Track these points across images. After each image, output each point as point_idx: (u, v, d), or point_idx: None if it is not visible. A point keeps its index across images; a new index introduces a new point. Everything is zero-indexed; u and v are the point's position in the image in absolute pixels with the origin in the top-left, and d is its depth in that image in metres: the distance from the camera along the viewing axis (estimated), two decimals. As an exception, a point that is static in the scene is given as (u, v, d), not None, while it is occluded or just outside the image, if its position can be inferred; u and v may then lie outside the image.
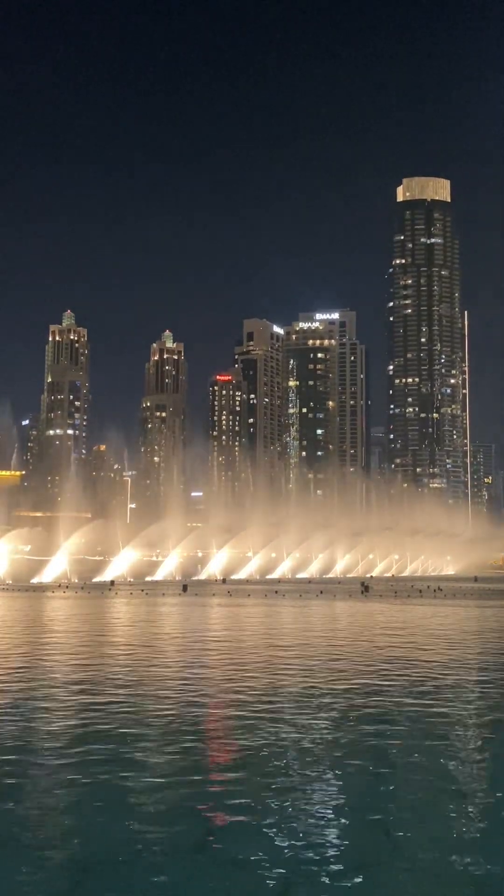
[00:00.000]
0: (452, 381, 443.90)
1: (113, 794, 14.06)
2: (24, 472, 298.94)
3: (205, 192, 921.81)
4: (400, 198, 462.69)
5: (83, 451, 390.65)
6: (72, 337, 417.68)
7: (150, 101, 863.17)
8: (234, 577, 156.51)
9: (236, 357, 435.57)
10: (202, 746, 17.85)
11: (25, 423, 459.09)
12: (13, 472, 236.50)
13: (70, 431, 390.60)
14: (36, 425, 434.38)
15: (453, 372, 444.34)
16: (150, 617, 58.64)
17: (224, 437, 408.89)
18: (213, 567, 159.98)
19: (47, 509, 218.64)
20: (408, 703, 22.52)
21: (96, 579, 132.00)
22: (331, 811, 13.33)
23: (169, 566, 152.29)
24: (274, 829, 12.42)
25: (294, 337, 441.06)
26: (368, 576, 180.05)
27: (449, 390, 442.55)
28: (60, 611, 64.62)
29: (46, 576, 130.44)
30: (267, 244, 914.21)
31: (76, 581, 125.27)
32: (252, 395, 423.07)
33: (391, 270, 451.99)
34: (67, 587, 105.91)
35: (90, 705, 22.09)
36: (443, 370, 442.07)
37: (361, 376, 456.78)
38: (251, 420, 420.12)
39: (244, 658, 32.04)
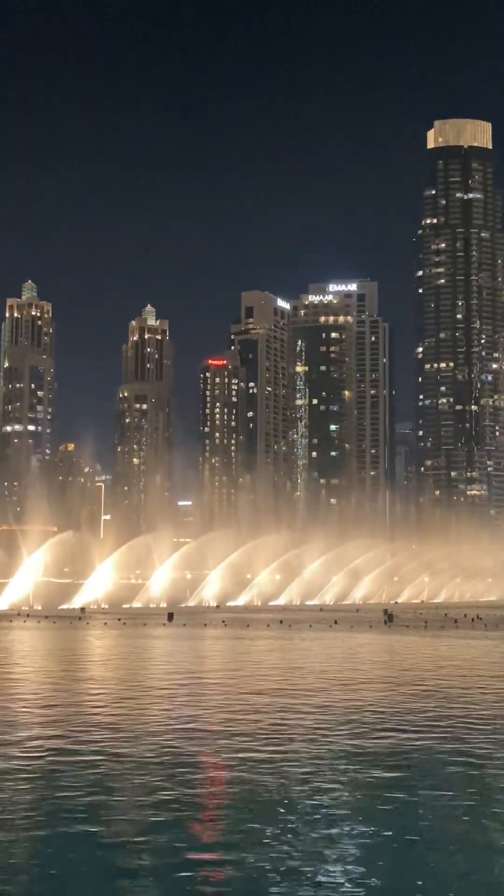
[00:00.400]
0: (494, 366, 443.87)
1: None
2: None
3: (194, 136, 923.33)
4: (431, 144, 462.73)
5: (47, 452, 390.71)
6: (33, 313, 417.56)
7: (132, 24, 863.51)
8: (231, 603, 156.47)
9: (233, 337, 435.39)
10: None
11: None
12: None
13: (32, 427, 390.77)
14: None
15: (495, 355, 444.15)
16: (125, 655, 58.39)
17: (218, 434, 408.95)
18: (206, 592, 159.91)
19: (4, 521, 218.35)
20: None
21: (63, 606, 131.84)
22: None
23: (153, 590, 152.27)
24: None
25: (303, 313, 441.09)
26: (393, 602, 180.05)
27: (490, 377, 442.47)
28: (21, 645, 64.38)
29: (3, 602, 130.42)
30: (270, 201, 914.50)
31: (39, 608, 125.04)
32: (252, 384, 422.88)
33: (420, 232, 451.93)
34: (29, 616, 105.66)
35: (53, 769, 21.82)
36: (483, 353, 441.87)
37: (384, 361, 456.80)
38: (250, 413, 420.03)
39: (243, 714, 31.68)
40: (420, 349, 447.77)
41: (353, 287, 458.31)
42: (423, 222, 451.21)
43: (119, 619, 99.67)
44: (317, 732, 26.68)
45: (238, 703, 32.99)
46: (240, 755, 23.12)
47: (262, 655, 58.06)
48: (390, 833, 16.58)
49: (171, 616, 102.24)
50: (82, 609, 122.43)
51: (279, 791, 19.50)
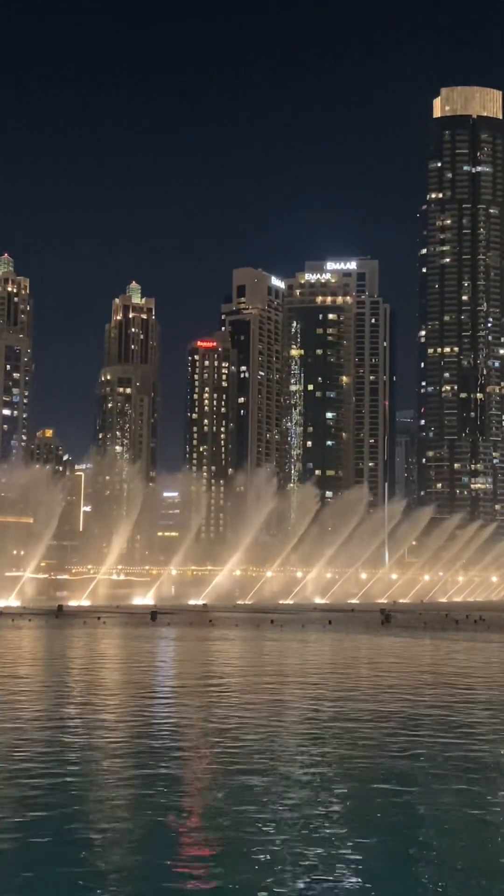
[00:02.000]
0: (501, 351, 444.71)
1: None
2: None
3: (185, 105, 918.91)
4: (437, 113, 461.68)
5: (23, 438, 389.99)
6: (10, 289, 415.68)
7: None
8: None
9: (223, 317, 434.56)
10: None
11: None
12: None
13: (7, 412, 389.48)
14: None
15: (503, 340, 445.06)
16: (97, 658, 58.80)
17: (206, 420, 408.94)
18: (182, 589, 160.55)
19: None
20: None
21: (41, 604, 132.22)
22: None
23: (145, 590, 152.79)
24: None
25: (298, 292, 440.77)
26: (389, 601, 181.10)
27: (497, 363, 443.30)
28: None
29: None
30: (265, 173, 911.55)
31: (17, 604, 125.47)
32: (243, 368, 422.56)
33: (424, 207, 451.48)
34: (2, 613, 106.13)
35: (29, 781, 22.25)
36: (489, 338, 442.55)
37: (385, 344, 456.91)
38: (242, 399, 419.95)
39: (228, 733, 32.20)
40: (423, 332, 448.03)
41: (352, 265, 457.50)
42: (427, 197, 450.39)
43: (99, 618, 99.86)
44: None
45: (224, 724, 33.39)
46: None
47: (251, 661, 58.57)
48: None
49: (154, 615, 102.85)
50: (60, 607, 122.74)
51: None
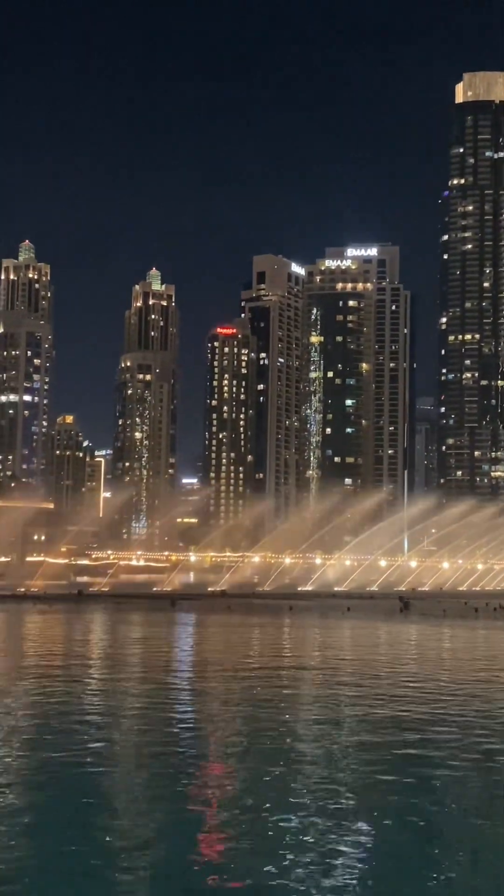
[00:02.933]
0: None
1: None
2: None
3: (205, 90, 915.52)
4: (459, 98, 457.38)
5: (44, 424, 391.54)
6: (31, 275, 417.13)
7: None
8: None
9: (243, 304, 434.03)
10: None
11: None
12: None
13: (28, 398, 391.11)
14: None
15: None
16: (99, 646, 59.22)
17: (226, 407, 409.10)
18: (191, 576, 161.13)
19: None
20: None
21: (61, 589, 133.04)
22: None
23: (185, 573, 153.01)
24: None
25: (318, 279, 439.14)
26: (408, 588, 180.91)
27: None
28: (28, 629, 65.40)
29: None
30: (285, 159, 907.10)
31: (34, 590, 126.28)
32: (263, 354, 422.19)
33: (447, 194, 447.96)
34: (25, 597, 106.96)
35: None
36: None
37: (405, 331, 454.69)
38: (261, 386, 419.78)
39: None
40: (444, 319, 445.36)
41: (373, 252, 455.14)
42: (449, 183, 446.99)
43: (117, 603, 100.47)
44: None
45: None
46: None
47: (268, 647, 58.76)
48: None
49: (173, 602, 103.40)
50: (79, 592, 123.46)
51: None
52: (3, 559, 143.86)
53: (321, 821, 17.34)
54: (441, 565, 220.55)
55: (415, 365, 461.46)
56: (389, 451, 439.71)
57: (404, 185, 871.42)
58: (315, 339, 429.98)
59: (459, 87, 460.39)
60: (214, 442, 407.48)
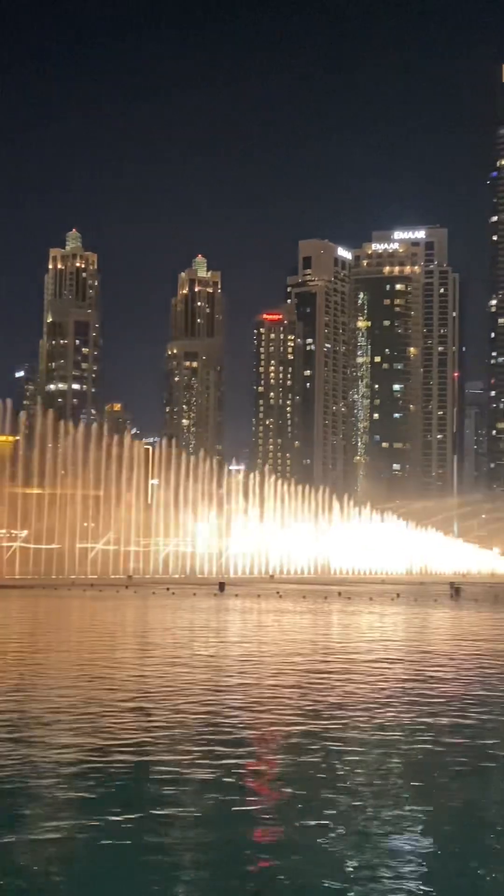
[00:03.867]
0: None
1: None
2: (17, 438, 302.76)
3: (250, 74, 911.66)
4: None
5: (92, 412, 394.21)
6: (77, 264, 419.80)
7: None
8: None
9: (289, 289, 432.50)
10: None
11: (20, 374, 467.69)
12: (5, 438, 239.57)
13: (76, 386, 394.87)
14: (33, 378, 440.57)
15: None
16: (163, 624, 59.33)
17: (273, 393, 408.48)
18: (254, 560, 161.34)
19: (47, 484, 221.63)
20: None
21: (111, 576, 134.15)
22: None
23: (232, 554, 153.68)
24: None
25: (365, 263, 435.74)
26: (459, 574, 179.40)
27: None
28: (79, 612, 65.89)
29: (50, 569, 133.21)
30: (331, 142, 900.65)
31: (83, 577, 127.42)
32: (309, 340, 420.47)
33: (495, 175, 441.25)
34: (73, 585, 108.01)
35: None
36: None
37: (454, 314, 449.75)
38: (308, 372, 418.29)
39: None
40: (493, 302, 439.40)
41: (420, 234, 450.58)
42: (497, 163, 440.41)
43: (167, 589, 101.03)
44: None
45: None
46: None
47: (317, 635, 58.31)
48: None
49: (222, 586, 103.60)
50: (129, 577, 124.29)
51: None
52: (53, 546, 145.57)
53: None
54: (492, 550, 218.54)
55: (464, 348, 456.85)
56: (438, 436, 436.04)
57: (451, 166, 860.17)
58: (362, 323, 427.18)
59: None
60: (261, 428, 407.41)
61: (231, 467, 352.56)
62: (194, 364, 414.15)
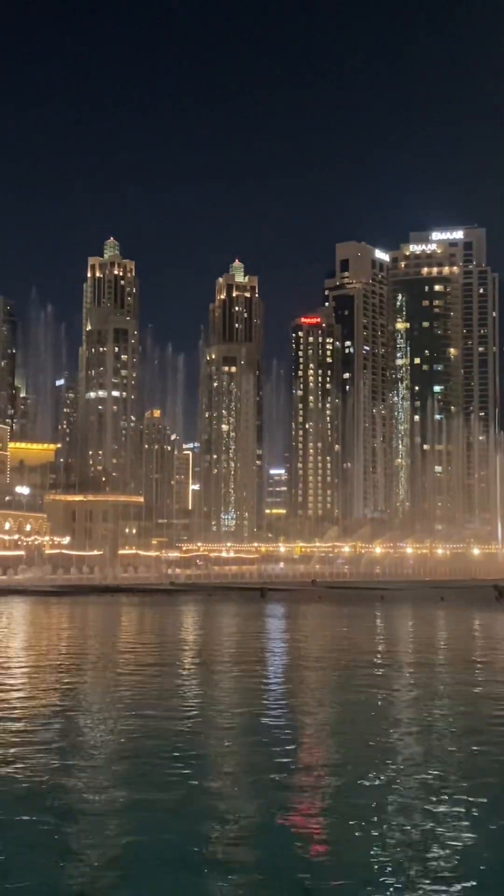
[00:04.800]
0: None
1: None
2: (59, 446, 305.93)
3: (283, 76, 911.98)
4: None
5: (132, 419, 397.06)
6: (116, 272, 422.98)
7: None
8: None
9: (327, 293, 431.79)
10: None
11: (60, 383, 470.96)
12: (46, 446, 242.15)
13: (116, 393, 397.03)
14: (73, 386, 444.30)
15: None
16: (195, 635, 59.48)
17: (312, 397, 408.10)
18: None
19: (89, 491, 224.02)
20: None
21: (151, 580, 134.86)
22: None
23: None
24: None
25: (403, 264, 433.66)
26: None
27: None
28: (128, 620, 66.47)
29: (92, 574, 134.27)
30: (366, 143, 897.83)
31: (126, 583, 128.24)
32: (348, 343, 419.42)
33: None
34: (117, 589, 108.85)
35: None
36: None
37: (494, 314, 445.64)
38: (347, 375, 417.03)
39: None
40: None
41: (458, 234, 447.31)
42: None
43: (209, 594, 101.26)
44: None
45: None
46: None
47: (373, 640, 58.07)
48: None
49: (263, 593, 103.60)
50: (171, 583, 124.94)
51: None
52: (95, 552, 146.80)
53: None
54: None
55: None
56: (480, 438, 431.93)
57: (488, 164, 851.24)
58: (401, 325, 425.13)
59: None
60: (301, 432, 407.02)
61: (272, 471, 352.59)
62: (233, 369, 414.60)
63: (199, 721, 25.64)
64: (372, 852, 14.55)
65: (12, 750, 22.37)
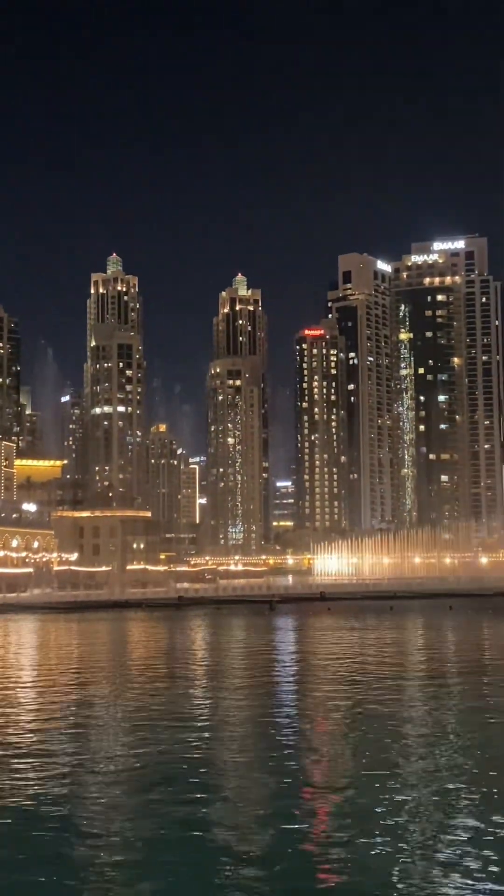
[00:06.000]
0: None
1: None
2: (65, 462, 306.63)
3: (282, 87, 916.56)
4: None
5: (138, 434, 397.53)
6: (119, 288, 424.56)
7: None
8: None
9: (330, 304, 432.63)
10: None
11: (66, 399, 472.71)
12: (53, 463, 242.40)
13: (121, 409, 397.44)
14: (79, 402, 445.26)
15: None
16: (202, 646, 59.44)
17: (317, 409, 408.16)
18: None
19: (96, 507, 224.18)
20: None
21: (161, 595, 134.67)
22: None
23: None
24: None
25: (405, 275, 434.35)
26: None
27: None
28: (135, 636, 66.40)
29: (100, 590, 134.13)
30: (366, 154, 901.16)
31: (135, 598, 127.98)
32: (352, 354, 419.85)
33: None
34: (126, 605, 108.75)
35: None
36: None
37: (497, 323, 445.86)
38: (351, 386, 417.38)
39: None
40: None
41: (459, 244, 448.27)
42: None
43: (218, 608, 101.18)
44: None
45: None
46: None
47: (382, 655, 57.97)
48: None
49: (271, 605, 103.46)
50: (179, 598, 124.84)
51: None
52: (104, 568, 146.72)
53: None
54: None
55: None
56: (486, 446, 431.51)
57: (488, 173, 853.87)
58: (404, 335, 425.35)
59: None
60: (307, 444, 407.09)
61: (279, 483, 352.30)
62: (238, 382, 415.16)
63: (212, 737, 25.67)
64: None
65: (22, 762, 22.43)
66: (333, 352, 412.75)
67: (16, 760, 21.22)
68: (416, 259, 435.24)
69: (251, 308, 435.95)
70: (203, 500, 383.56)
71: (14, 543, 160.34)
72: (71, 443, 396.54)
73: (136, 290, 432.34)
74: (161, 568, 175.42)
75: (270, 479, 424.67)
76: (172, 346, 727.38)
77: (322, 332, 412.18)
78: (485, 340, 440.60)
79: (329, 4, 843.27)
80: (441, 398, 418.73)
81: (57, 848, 15.68)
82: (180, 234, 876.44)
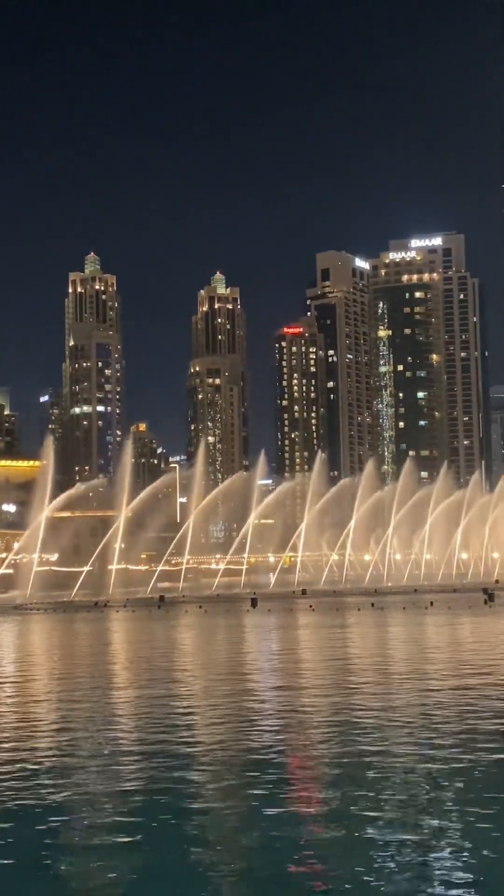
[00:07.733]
0: None
1: None
2: (44, 462, 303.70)
3: (259, 85, 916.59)
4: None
5: (118, 433, 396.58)
6: (97, 287, 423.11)
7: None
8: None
9: (308, 302, 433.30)
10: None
11: (44, 399, 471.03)
12: (31, 463, 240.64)
13: (100, 408, 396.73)
14: (58, 401, 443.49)
15: None
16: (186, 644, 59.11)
17: (297, 406, 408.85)
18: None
19: (75, 508, 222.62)
20: None
21: (140, 594, 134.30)
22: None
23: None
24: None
25: (383, 272, 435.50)
26: (493, 581, 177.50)
27: None
28: (115, 634, 66.05)
29: (77, 590, 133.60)
30: (343, 151, 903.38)
31: (116, 598, 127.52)
32: (331, 352, 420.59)
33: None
34: (106, 605, 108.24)
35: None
36: None
37: (475, 320, 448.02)
38: (331, 384, 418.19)
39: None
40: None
41: (437, 241, 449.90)
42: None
43: (200, 606, 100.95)
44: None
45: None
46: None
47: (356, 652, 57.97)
48: None
49: (254, 602, 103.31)
50: (161, 597, 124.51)
51: None
52: (85, 568, 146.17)
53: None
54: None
55: (486, 353, 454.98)
56: (465, 442, 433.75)
57: (466, 170, 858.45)
58: (383, 332, 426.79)
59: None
60: (287, 442, 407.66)
61: (259, 481, 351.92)
62: (217, 381, 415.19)
63: (202, 746, 25.48)
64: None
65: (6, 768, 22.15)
66: (312, 349, 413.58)
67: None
68: (394, 256, 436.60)
69: (230, 306, 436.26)
70: (183, 499, 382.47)
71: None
72: (51, 443, 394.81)
73: (115, 289, 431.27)
74: (142, 567, 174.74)
75: (251, 476, 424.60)
76: (152, 345, 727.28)
77: (301, 329, 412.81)
78: (463, 337, 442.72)
79: (304, 4, 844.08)
80: (420, 395, 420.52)
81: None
82: (158, 233, 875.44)
